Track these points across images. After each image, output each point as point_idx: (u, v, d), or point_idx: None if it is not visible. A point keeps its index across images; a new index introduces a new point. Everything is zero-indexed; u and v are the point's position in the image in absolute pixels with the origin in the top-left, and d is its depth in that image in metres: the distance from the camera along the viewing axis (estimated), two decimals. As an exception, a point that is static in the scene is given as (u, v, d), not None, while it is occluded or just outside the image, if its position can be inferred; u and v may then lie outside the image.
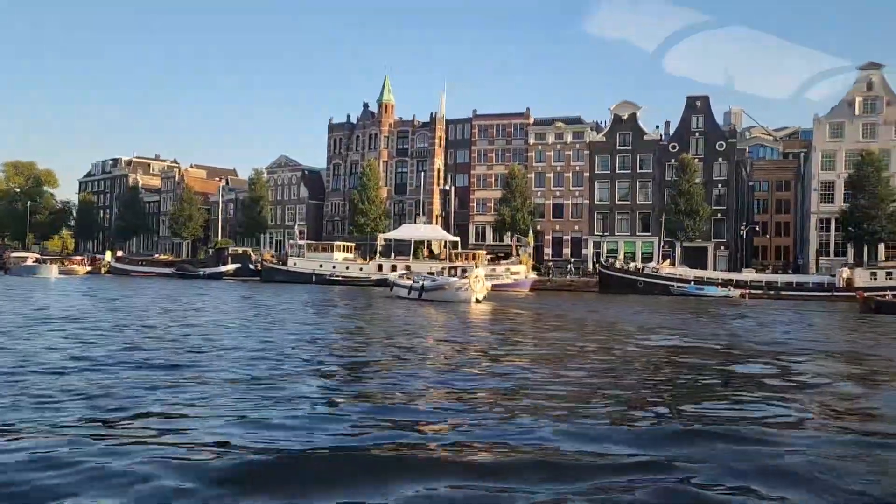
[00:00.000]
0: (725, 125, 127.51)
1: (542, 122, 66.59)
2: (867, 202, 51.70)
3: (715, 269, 58.24)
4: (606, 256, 57.87)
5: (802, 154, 74.49)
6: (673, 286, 50.20)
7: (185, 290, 37.35)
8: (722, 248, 61.19)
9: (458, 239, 57.45)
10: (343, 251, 57.56)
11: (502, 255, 57.54)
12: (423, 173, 68.57)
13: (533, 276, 51.43)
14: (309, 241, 60.41)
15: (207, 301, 28.05)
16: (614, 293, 50.33)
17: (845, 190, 55.27)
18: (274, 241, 75.29)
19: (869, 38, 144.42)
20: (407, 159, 69.71)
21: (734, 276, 51.20)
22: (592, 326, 20.78)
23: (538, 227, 64.65)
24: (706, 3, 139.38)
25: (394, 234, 57.19)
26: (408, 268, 45.19)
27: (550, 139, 65.64)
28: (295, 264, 54.77)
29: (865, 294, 36.85)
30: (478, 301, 28.80)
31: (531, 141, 66.14)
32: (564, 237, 64.85)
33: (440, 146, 68.72)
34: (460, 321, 21.11)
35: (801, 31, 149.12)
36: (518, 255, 53.33)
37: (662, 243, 60.90)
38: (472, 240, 66.72)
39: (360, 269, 52.36)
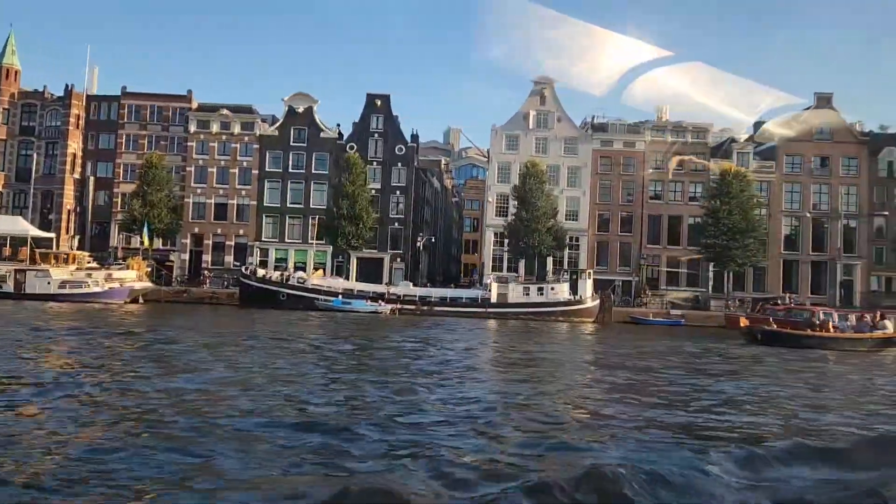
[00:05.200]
0: (445, 143, 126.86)
1: (207, 108, 57.04)
2: (529, 215, 49.89)
3: (391, 281, 53.28)
4: (248, 265, 49.75)
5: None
6: (319, 300, 43.68)
7: None
8: (398, 259, 56.53)
9: (52, 235, 45.61)
10: None
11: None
12: (53, 158, 55.22)
13: (143, 284, 41.66)
14: None
15: None
16: (256, 307, 42.75)
17: (516, 203, 53.40)
18: None
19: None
20: (33, 139, 55.73)
21: (390, 289, 46.04)
22: None
23: (196, 230, 55.17)
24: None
25: (-46, 227, 43.66)
26: None
27: (215, 128, 56.32)
28: None
29: (748, 321, 32.66)
30: None
31: (192, 129, 56.26)
32: (227, 242, 55.79)
33: (77, 126, 55.83)
34: None
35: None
36: (124, 258, 43.13)
37: (337, 252, 54.77)
38: (114, 241, 54.88)
39: None
